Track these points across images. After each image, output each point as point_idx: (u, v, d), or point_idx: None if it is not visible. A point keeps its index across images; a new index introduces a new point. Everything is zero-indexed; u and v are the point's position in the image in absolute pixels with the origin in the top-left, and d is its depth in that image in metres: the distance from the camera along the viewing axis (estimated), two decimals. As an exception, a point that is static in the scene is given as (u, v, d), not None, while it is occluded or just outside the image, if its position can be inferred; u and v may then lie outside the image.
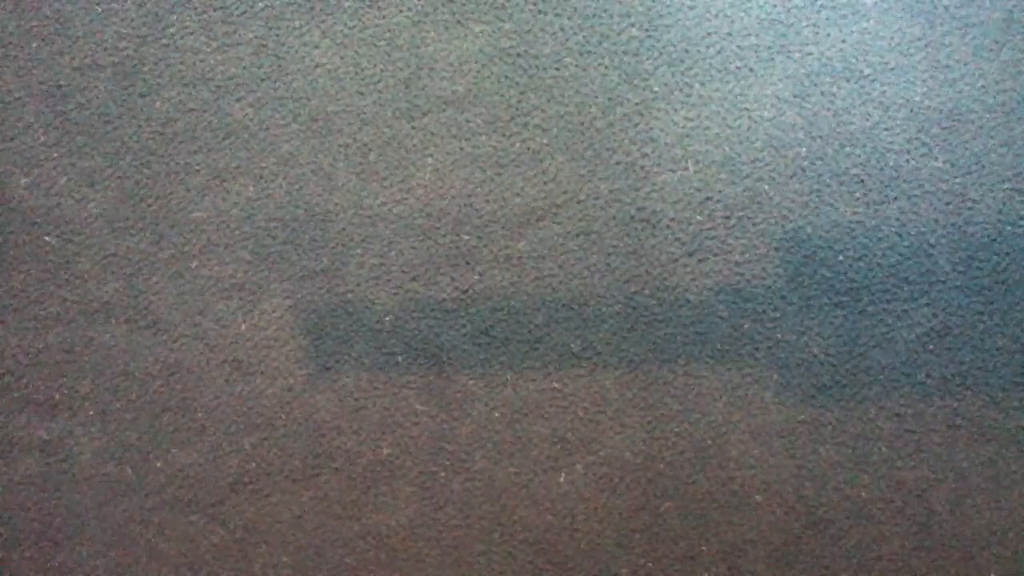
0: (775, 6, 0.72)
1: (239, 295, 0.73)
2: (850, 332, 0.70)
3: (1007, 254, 0.70)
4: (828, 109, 0.71)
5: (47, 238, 0.74)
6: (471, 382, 0.72)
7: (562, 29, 0.73)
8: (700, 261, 0.71)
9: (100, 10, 0.75)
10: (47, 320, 0.74)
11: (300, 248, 0.73)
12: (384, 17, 0.74)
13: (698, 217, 0.71)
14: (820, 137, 0.71)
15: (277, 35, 0.74)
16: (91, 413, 0.74)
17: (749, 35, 0.72)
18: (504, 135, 0.73)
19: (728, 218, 0.71)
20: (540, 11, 0.73)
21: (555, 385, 0.71)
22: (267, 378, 0.73)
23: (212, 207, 0.74)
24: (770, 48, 0.72)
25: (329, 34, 0.74)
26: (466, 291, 0.72)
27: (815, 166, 0.71)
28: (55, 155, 0.75)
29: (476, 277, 0.72)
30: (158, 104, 0.75)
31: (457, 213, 0.73)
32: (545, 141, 0.73)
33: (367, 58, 0.74)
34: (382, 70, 0.74)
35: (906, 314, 0.70)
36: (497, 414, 0.72)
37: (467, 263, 0.72)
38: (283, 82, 0.74)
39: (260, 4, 0.75)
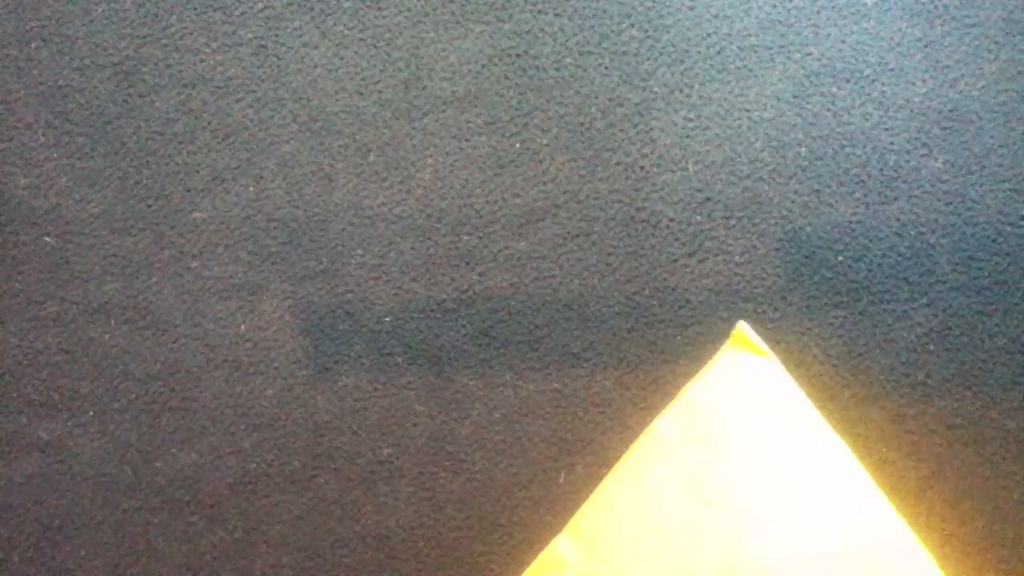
0: (775, 7, 0.72)
1: (239, 295, 0.73)
2: (850, 332, 0.70)
3: (1007, 254, 0.70)
4: (828, 109, 0.71)
5: (47, 238, 0.74)
6: (471, 382, 0.72)
7: (562, 30, 0.73)
8: (700, 261, 0.71)
9: (100, 10, 0.75)
10: (47, 320, 0.74)
11: (300, 248, 0.73)
12: (384, 18, 0.74)
13: (698, 217, 0.71)
14: (820, 137, 0.71)
15: (277, 36, 0.74)
16: (91, 413, 0.74)
17: (749, 36, 0.72)
18: (504, 135, 0.73)
19: (728, 218, 0.71)
20: (540, 12, 0.73)
21: (555, 386, 0.71)
22: (267, 379, 0.73)
23: (212, 207, 0.74)
24: (770, 49, 0.72)
25: (329, 35, 0.74)
26: (466, 291, 0.72)
27: (815, 166, 0.71)
28: (55, 155, 0.75)
29: (476, 277, 0.72)
30: (158, 104, 0.75)
31: (457, 213, 0.73)
32: (545, 141, 0.73)
33: (367, 59, 0.74)
34: (382, 71, 0.74)
35: (906, 314, 0.70)
36: (497, 414, 0.72)
37: (467, 263, 0.72)
38: (283, 83, 0.74)
39: (260, 4, 0.75)
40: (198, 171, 0.74)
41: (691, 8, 0.72)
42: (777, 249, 0.71)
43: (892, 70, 0.71)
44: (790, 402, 0.57)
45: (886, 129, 0.71)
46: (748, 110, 0.71)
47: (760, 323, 0.70)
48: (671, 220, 0.71)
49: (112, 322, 0.74)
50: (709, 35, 0.72)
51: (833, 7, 0.72)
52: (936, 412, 0.69)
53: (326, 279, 0.73)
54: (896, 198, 0.70)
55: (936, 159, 0.70)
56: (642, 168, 0.72)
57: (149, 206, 0.74)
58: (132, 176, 0.74)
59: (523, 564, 0.70)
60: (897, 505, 0.69)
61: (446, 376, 0.72)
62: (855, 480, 0.54)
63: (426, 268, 0.72)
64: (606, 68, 0.73)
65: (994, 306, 0.70)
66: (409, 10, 0.74)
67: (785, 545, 0.52)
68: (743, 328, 0.59)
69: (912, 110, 0.71)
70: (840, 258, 0.70)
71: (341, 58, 0.74)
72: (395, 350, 0.72)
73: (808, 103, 0.71)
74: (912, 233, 0.70)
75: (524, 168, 0.72)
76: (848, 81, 0.71)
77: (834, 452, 0.55)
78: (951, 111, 0.71)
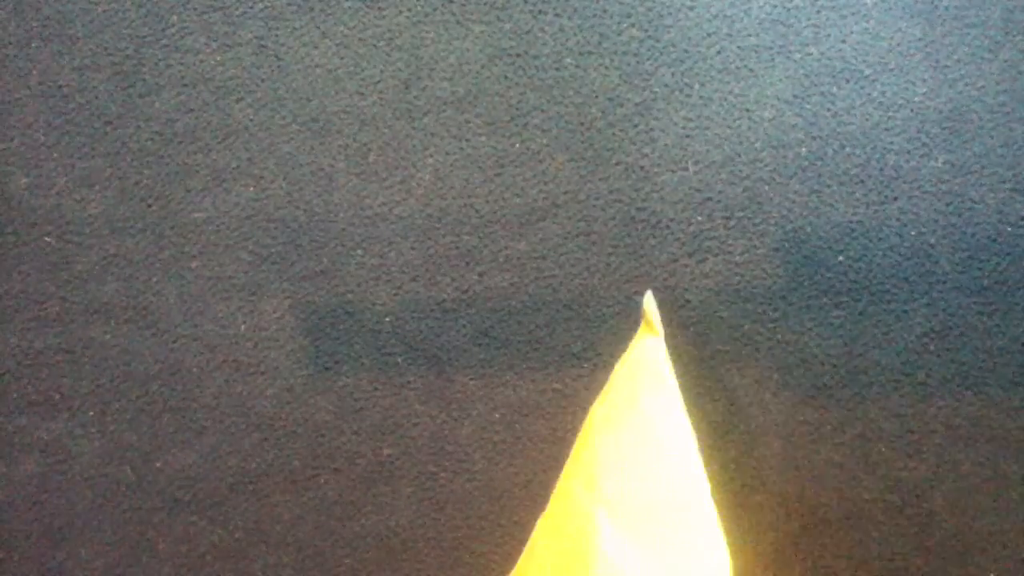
0: (775, 6, 0.72)
1: (239, 295, 0.73)
2: (850, 332, 0.70)
3: (1007, 254, 0.70)
4: (828, 109, 0.71)
5: (47, 238, 0.74)
6: (471, 382, 0.72)
7: (562, 29, 0.73)
8: (700, 261, 0.71)
9: (100, 10, 0.75)
10: (47, 320, 0.74)
11: (300, 248, 0.73)
12: (384, 18, 0.74)
13: (698, 217, 0.71)
14: (820, 137, 0.71)
15: (277, 35, 0.74)
16: (91, 413, 0.74)
17: (749, 36, 0.72)
18: (504, 135, 0.73)
19: (728, 218, 0.71)
20: (540, 11, 0.73)
21: (555, 386, 0.71)
22: (267, 379, 0.73)
23: (212, 207, 0.74)
24: (770, 48, 0.72)
25: (329, 35, 0.74)
26: (466, 291, 0.72)
27: (815, 166, 0.71)
28: (55, 155, 0.75)
29: (476, 277, 0.72)
30: (158, 104, 0.74)
31: (457, 213, 0.73)
32: (545, 141, 0.73)
33: (367, 59, 0.74)
34: (382, 71, 0.74)
35: (906, 314, 0.70)
36: (497, 415, 0.72)
37: (467, 263, 0.72)
38: (283, 82, 0.74)
39: (260, 4, 0.75)
40: (198, 171, 0.74)
41: (691, 8, 0.72)
42: (777, 249, 0.71)
43: (892, 70, 0.71)
44: (658, 386, 0.58)
45: (886, 129, 0.71)
46: (748, 110, 0.72)
47: (760, 323, 0.70)
48: (671, 220, 0.71)
49: (112, 322, 0.74)
50: (709, 35, 0.72)
51: (833, 7, 0.72)
52: (936, 412, 0.69)
53: (326, 279, 0.73)
54: (896, 198, 0.70)
55: (936, 159, 0.70)
56: (642, 168, 0.72)
57: (149, 206, 0.74)
58: (132, 176, 0.74)
59: (523, 564, 0.70)
60: (897, 506, 0.69)
61: (446, 376, 0.72)
62: (693, 481, 0.55)
63: (426, 268, 0.72)
64: (606, 68, 0.73)
65: (994, 306, 0.70)
66: (409, 10, 0.74)
67: (615, 524, 0.54)
68: (646, 303, 0.60)
69: (912, 110, 0.71)
70: (840, 258, 0.70)
71: (341, 58, 0.74)
72: (395, 350, 0.72)
73: (808, 103, 0.71)
74: (912, 233, 0.70)
75: (524, 168, 0.72)
76: (848, 81, 0.71)
77: (681, 447, 0.56)
78: (951, 111, 0.71)
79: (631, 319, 0.71)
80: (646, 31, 0.73)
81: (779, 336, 0.70)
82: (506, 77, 0.73)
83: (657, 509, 0.54)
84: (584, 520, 0.55)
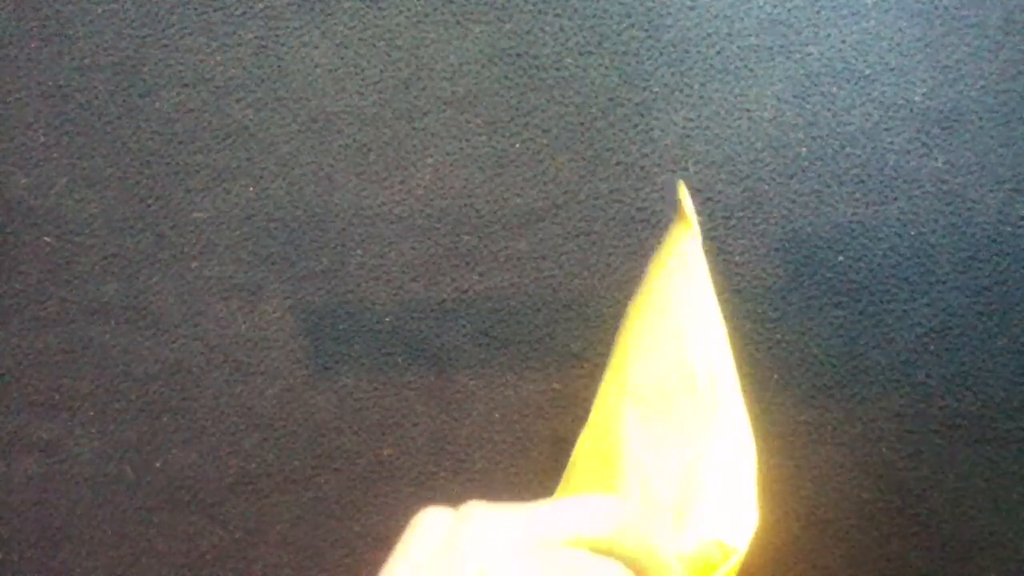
0: (775, 7, 0.72)
1: (239, 295, 0.73)
2: (850, 332, 0.70)
3: (1007, 254, 0.70)
4: (828, 109, 0.71)
5: (47, 238, 0.74)
6: (471, 383, 0.72)
7: (562, 30, 0.73)
8: (700, 261, 0.71)
9: (100, 10, 0.75)
10: (47, 320, 0.74)
11: (300, 248, 0.73)
12: (384, 18, 0.74)
13: (698, 217, 0.71)
14: (820, 137, 0.71)
15: (277, 36, 0.74)
16: (91, 413, 0.74)
17: (749, 36, 0.72)
18: (504, 135, 0.73)
19: (728, 218, 0.71)
20: (540, 12, 0.73)
21: (555, 386, 0.71)
22: (267, 378, 0.73)
23: (212, 207, 0.74)
24: (770, 48, 0.72)
25: (329, 35, 0.74)
26: (466, 291, 0.72)
27: (815, 166, 0.71)
28: (55, 155, 0.75)
29: (476, 277, 0.72)
30: (158, 104, 0.75)
31: (457, 213, 0.73)
32: (545, 141, 0.73)
33: (367, 59, 0.74)
34: (382, 71, 0.74)
35: (906, 314, 0.70)
36: (497, 415, 0.72)
37: (467, 263, 0.72)
38: (283, 83, 0.74)
39: (260, 4, 0.75)
40: (198, 171, 0.74)
41: (691, 8, 0.73)
42: (777, 249, 0.71)
43: (892, 70, 0.71)
44: (688, 277, 0.57)
45: (886, 129, 0.71)
46: (748, 110, 0.72)
47: (760, 323, 0.70)
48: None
49: (112, 322, 0.74)
50: (709, 35, 0.72)
51: (833, 7, 0.72)
52: (936, 412, 0.69)
53: (326, 279, 0.73)
54: (896, 198, 0.70)
55: (936, 159, 0.70)
56: (642, 168, 0.72)
57: (149, 206, 0.74)
58: (132, 176, 0.74)
59: (523, 564, 0.70)
60: (897, 506, 0.69)
61: (446, 376, 0.72)
62: (718, 365, 0.54)
63: (426, 268, 0.72)
64: (606, 68, 0.73)
65: (994, 306, 0.70)
66: (409, 10, 0.74)
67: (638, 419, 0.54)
68: (681, 193, 0.58)
69: (912, 110, 0.71)
70: (840, 258, 0.70)
71: (341, 58, 0.74)
72: (395, 350, 0.72)
73: (808, 103, 0.71)
74: (912, 233, 0.70)
75: (524, 168, 0.72)
76: (848, 81, 0.71)
77: (706, 332, 0.55)
78: (951, 111, 0.71)
79: (631, 319, 0.71)
80: (646, 31, 0.73)
81: (779, 336, 0.70)
82: (506, 77, 0.73)
83: (679, 395, 0.53)
84: (616, 415, 0.55)
